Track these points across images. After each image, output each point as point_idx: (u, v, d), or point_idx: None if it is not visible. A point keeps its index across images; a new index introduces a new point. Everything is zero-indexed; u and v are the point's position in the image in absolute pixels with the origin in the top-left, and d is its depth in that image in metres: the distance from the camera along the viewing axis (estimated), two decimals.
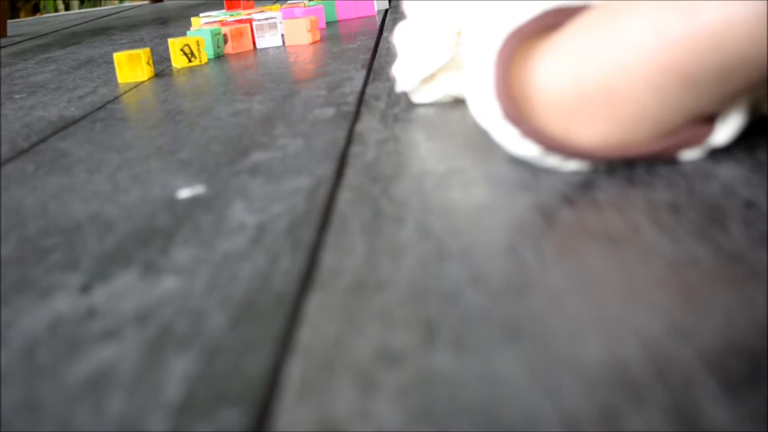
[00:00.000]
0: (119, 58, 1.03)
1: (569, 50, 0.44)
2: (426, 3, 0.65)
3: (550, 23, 0.45)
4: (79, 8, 5.38)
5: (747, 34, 0.38)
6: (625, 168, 0.45)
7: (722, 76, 0.40)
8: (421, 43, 0.63)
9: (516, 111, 0.44)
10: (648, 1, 0.42)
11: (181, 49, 1.09)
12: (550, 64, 0.44)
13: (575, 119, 0.44)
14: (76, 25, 2.28)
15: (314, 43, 1.18)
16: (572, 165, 0.45)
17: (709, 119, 0.44)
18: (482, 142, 0.54)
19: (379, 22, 1.36)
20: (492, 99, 0.45)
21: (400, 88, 0.66)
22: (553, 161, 0.45)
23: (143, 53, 1.02)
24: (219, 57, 1.15)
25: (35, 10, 5.34)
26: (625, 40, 0.42)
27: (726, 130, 0.45)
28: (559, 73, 0.44)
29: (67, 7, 5.41)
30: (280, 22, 1.23)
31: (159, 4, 2.74)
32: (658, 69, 0.41)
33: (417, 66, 0.64)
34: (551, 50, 0.45)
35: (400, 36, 0.65)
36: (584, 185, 0.43)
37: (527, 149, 0.45)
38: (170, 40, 1.10)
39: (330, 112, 0.69)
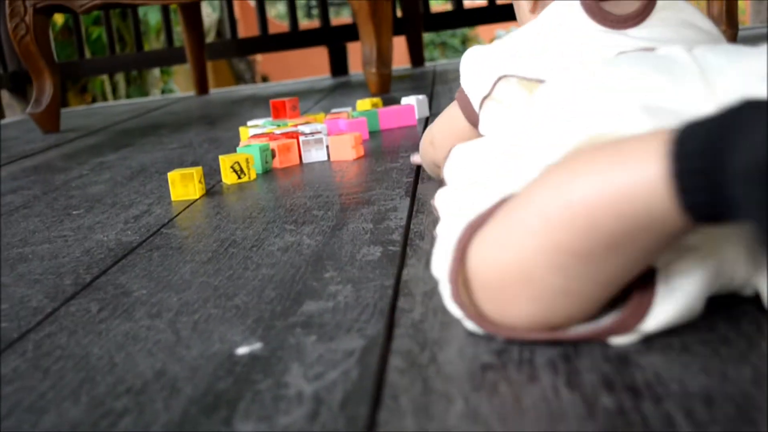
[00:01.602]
0: (173, 177, 1.08)
1: (490, 239, 0.49)
2: (463, 170, 0.69)
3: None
4: (126, 91, 5.55)
5: (617, 211, 0.42)
6: (662, 338, 0.48)
7: (613, 249, 0.44)
8: (460, 206, 0.67)
9: (461, 296, 0.50)
10: (545, 178, 0.46)
11: (231, 166, 1.14)
12: (478, 251, 0.50)
13: (501, 300, 0.49)
14: (126, 120, 2.36)
15: (358, 158, 1.22)
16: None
17: (647, 294, 0.47)
18: None
19: (420, 132, 1.40)
20: (446, 283, 0.51)
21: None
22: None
23: (195, 172, 1.07)
24: (267, 172, 1.20)
25: (83, 90, 5.52)
26: (522, 224, 0.46)
27: (659, 317, 0.47)
28: (483, 259, 0.49)
29: (114, 89, 5.59)
30: (326, 136, 1.27)
31: (204, 97, 2.82)
32: (549, 249, 0.45)
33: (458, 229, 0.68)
34: (480, 239, 0.50)
35: (441, 201, 0.69)
36: (622, 362, 0.46)
37: (472, 327, 0.51)
38: (221, 158, 1.15)
39: (377, 252, 0.73)
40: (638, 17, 0.64)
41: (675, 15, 0.66)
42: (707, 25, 0.66)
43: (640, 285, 0.47)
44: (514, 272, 0.47)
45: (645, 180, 0.40)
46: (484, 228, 0.50)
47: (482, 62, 0.74)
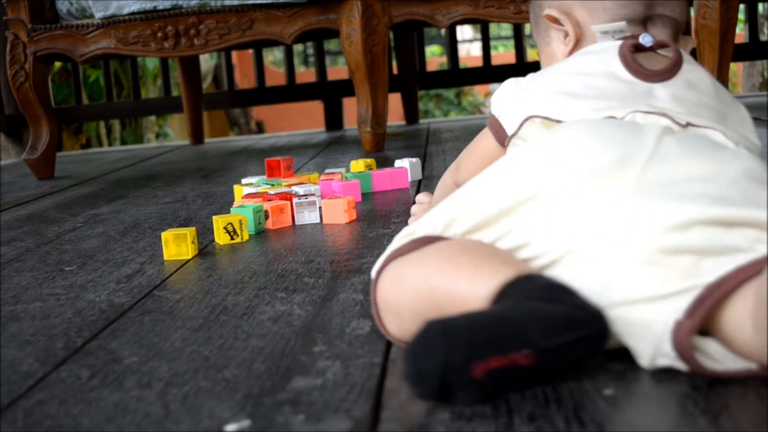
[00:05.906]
0: (166, 236, 1.09)
1: (391, 278, 0.67)
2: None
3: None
4: (120, 134, 5.57)
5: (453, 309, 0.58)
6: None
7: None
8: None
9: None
10: (432, 254, 0.64)
11: (225, 227, 1.15)
12: (383, 283, 0.67)
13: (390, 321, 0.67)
14: (120, 168, 2.38)
15: (351, 222, 1.23)
16: None
17: None
18: None
19: (412, 196, 1.42)
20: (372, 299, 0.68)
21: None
22: None
23: (189, 233, 1.08)
24: (260, 232, 1.21)
25: (78, 131, 5.54)
26: (405, 287, 0.64)
27: None
28: (382, 293, 0.67)
29: (109, 131, 5.61)
30: (319, 198, 1.29)
31: (199, 147, 2.84)
32: (411, 306, 0.64)
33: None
34: (388, 273, 0.67)
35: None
36: None
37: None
38: (215, 218, 1.16)
39: (366, 326, 0.74)
40: (665, 75, 0.74)
41: (698, 77, 0.74)
42: (725, 94, 0.75)
43: None
44: (397, 310, 0.66)
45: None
46: (395, 263, 0.67)
47: (516, 96, 0.80)
